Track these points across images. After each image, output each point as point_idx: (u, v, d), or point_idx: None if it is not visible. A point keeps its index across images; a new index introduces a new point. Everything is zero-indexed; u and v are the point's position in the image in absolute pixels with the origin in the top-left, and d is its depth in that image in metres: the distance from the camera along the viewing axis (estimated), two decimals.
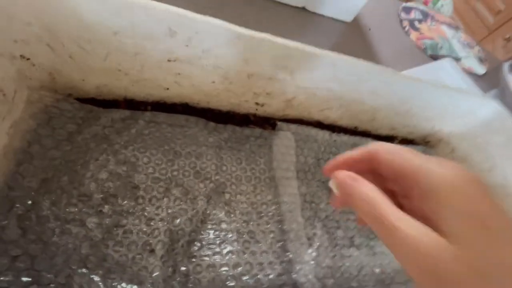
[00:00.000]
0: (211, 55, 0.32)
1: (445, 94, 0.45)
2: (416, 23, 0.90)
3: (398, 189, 0.20)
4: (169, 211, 0.33)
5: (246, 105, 0.42)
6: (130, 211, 0.32)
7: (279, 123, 0.44)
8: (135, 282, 0.29)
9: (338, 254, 0.38)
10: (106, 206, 0.31)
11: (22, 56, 0.29)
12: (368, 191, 0.17)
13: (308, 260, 0.36)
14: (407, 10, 0.92)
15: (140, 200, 0.33)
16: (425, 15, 0.94)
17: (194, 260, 0.31)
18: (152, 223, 0.32)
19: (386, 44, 0.82)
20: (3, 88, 0.27)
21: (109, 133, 0.35)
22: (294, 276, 0.34)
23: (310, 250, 0.37)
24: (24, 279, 0.26)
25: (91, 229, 0.29)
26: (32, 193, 0.29)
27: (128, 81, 0.35)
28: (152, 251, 0.30)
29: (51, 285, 0.26)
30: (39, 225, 0.28)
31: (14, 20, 0.25)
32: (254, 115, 0.45)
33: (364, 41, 0.79)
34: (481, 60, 0.91)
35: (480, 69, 0.88)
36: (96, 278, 0.28)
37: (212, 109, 0.42)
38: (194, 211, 0.34)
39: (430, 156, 0.18)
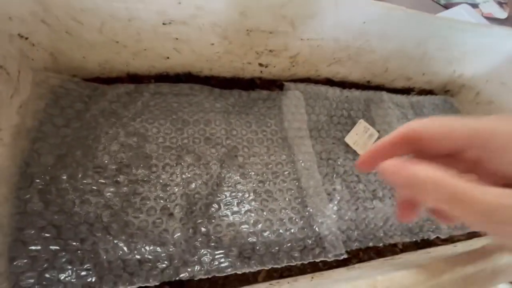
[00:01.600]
0: (206, 12, 0.31)
1: (464, 31, 0.42)
2: None
3: (452, 164, 0.18)
4: (184, 176, 0.33)
5: (250, 68, 0.41)
6: (145, 179, 0.32)
7: (286, 83, 0.43)
8: (157, 244, 0.29)
9: (360, 207, 0.37)
10: (121, 176, 0.31)
11: (20, 35, 0.29)
12: (433, 173, 0.15)
13: (329, 214, 0.35)
14: None
15: (154, 169, 0.33)
16: None
17: (213, 221, 0.31)
18: (168, 189, 0.32)
19: None
20: (6, 66, 0.27)
21: (116, 107, 0.35)
22: (316, 228, 0.33)
23: (331, 205, 0.36)
24: (53, 247, 0.27)
25: (109, 198, 0.30)
26: (49, 168, 0.29)
27: (128, 54, 0.35)
28: (171, 214, 0.31)
29: (79, 252, 0.27)
30: (59, 197, 0.28)
31: None
32: (260, 79, 0.43)
33: None
34: (501, 4, 0.84)
35: (501, 14, 0.81)
36: (120, 244, 0.28)
37: (216, 77, 0.41)
38: (208, 175, 0.34)
39: (480, 117, 0.17)
